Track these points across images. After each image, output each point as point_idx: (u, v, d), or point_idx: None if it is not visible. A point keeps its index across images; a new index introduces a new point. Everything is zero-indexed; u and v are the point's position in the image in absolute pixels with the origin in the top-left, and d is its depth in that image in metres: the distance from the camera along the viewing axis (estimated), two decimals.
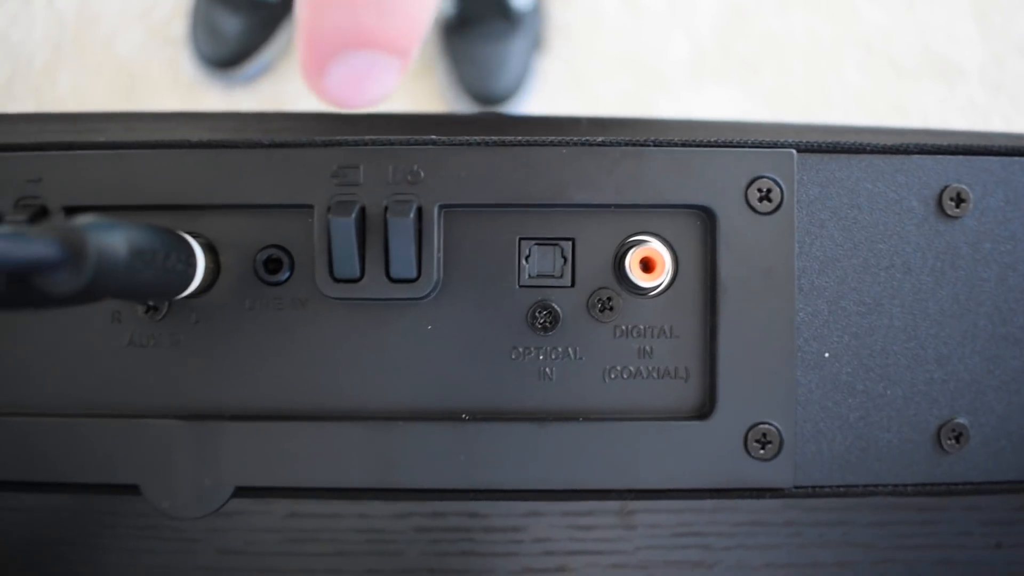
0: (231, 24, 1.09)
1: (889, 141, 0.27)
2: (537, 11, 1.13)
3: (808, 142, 0.26)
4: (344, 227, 0.24)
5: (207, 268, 0.25)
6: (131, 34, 1.15)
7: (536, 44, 1.14)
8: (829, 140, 0.27)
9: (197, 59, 1.10)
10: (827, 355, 0.27)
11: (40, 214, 0.26)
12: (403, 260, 0.25)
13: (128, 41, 1.15)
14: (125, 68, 1.15)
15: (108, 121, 0.30)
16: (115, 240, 0.20)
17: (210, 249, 0.26)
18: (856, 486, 0.27)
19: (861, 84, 1.22)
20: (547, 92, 1.15)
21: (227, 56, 1.09)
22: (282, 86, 1.15)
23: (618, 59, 1.17)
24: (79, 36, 1.16)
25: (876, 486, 0.27)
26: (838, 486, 0.27)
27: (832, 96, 1.21)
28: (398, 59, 0.17)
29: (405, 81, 1.13)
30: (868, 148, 0.27)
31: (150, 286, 0.23)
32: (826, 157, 0.27)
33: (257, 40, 1.10)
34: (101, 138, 0.27)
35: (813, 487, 0.27)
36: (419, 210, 0.25)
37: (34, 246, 0.18)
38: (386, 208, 0.25)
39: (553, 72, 1.16)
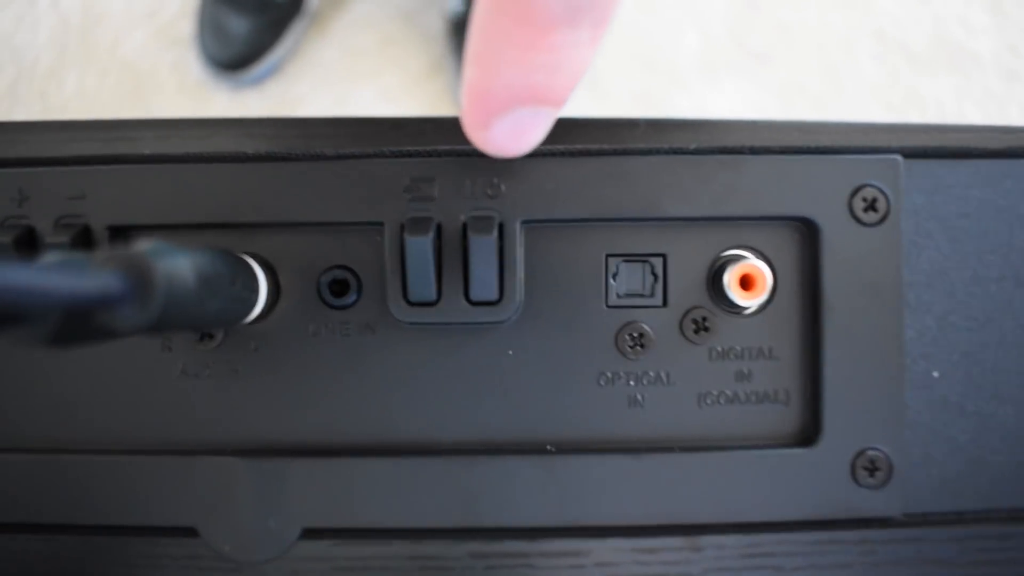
0: (239, 25, 1.07)
1: (996, 143, 0.25)
2: None
3: (913, 146, 0.24)
4: (421, 247, 0.22)
5: (268, 291, 0.23)
6: (137, 35, 1.14)
7: None
8: (934, 144, 0.25)
9: (204, 60, 1.08)
10: (936, 374, 0.25)
11: (83, 235, 0.24)
12: (484, 281, 0.23)
13: (134, 42, 1.13)
14: (131, 70, 1.13)
15: (140, 129, 0.27)
16: (183, 268, 0.18)
17: (269, 271, 0.24)
18: (969, 512, 0.25)
19: (876, 75, 1.20)
20: None
21: (235, 57, 1.07)
22: (291, 88, 1.13)
23: (630, 55, 1.15)
24: (84, 38, 1.14)
25: (990, 512, 0.25)
26: (950, 513, 0.25)
27: (847, 88, 1.19)
28: (558, 110, 0.18)
29: (413, 81, 1.11)
30: (976, 152, 0.25)
31: (216, 315, 0.21)
32: (932, 163, 0.25)
33: (265, 41, 1.08)
34: (140, 149, 0.25)
35: (924, 515, 0.25)
36: (500, 226, 0.23)
37: (96, 279, 0.16)
38: (464, 225, 0.23)
39: None
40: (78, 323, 0.16)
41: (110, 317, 0.16)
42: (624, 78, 1.15)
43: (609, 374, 0.24)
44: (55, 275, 0.15)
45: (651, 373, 0.24)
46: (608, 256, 0.24)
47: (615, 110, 1.13)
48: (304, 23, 1.10)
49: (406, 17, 1.14)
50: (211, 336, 0.24)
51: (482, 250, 0.22)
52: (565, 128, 0.25)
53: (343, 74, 1.13)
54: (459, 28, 1.07)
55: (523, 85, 0.18)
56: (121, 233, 0.24)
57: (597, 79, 1.14)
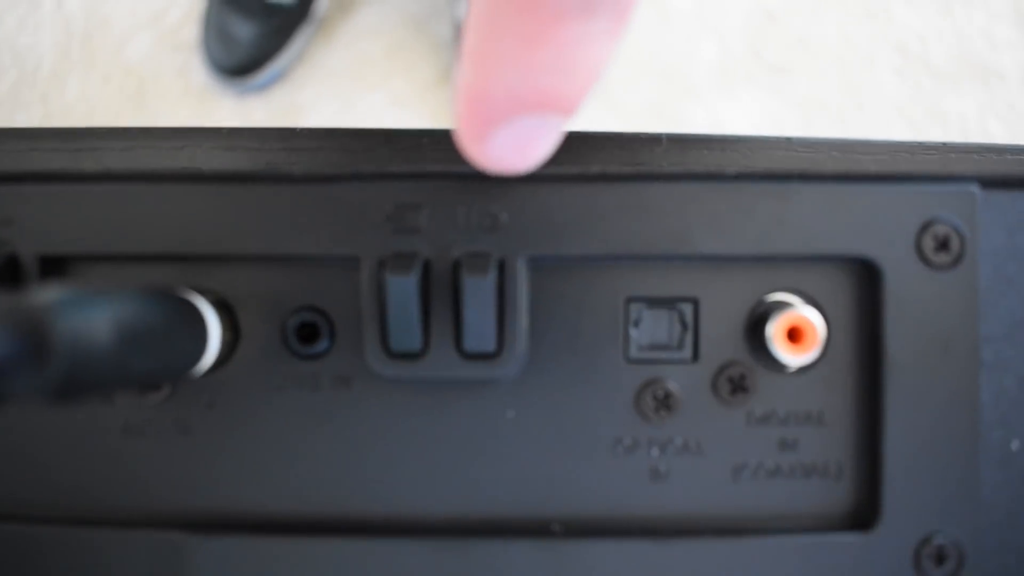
0: (244, 30, 1.05)
1: None
2: None
3: (993, 174, 0.21)
4: (404, 288, 0.18)
5: (224, 337, 0.20)
6: (141, 40, 1.12)
7: None
8: (1018, 171, 0.21)
9: (209, 66, 1.06)
10: (1015, 446, 0.21)
11: (9, 266, 0.20)
12: (479, 330, 0.19)
13: (138, 47, 1.11)
14: (135, 75, 1.11)
15: (103, 138, 0.24)
16: (95, 322, 0.14)
17: (227, 311, 0.20)
18: None
19: (897, 90, 1.17)
20: None
21: (240, 63, 1.05)
22: (296, 94, 1.10)
23: (644, 65, 1.12)
24: (88, 41, 1.12)
25: None
26: None
27: (867, 102, 1.16)
28: (567, 119, 0.16)
29: (422, 89, 1.09)
30: None
31: (147, 374, 0.17)
32: (1016, 194, 0.21)
33: (271, 47, 1.06)
34: (93, 164, 0.21)
35: None
36: (500, 264, 0.19)
37: None
38: (457, 263, 0.19)
39: None
40: None
41: None
42: (637, 89, 1.12)
43: (628, 441, 0.20)
44: None
45: (678, 441, 0.20)
46: (629, 301, 0.20)
47: (627, 122, 1.10)
48: (311, 29, 1.08)
49: (415, 24, 1.12)
50: (157, 387, 0.21)
51: (477, 293, 0.19)
52: (575, 145, 0.21)
53: (350, 81, 1.11)
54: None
55: (528, 89, 0.15)
56: (55, 265, 0.20)
57: (608, 89, 1.11)
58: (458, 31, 1.05)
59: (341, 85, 1.11)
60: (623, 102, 1.11)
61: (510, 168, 0.17)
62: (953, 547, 0.20)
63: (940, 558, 0.20)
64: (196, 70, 1.10)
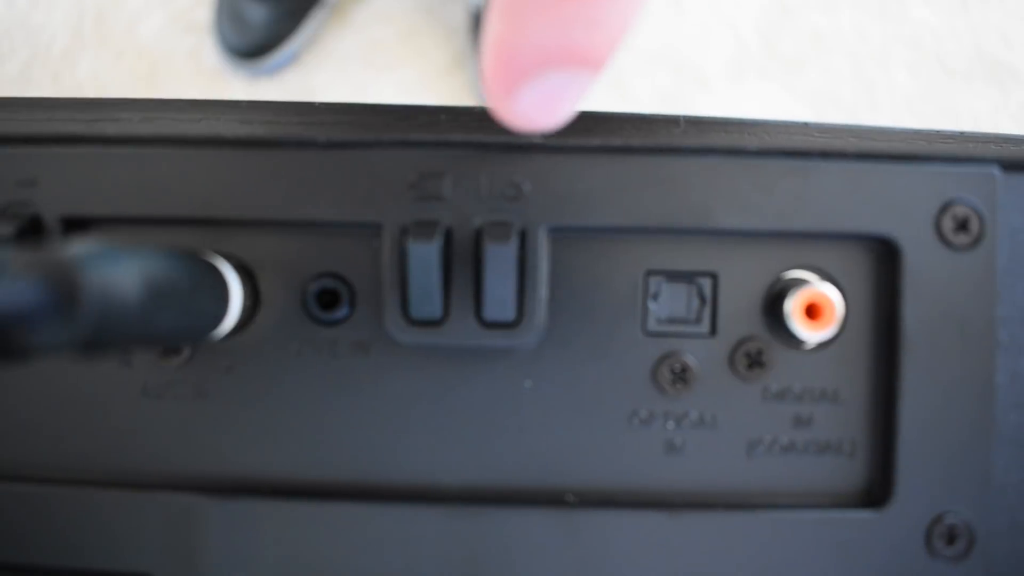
0: (257, 12, 1.04)
1: None
2: None
3: (1013, 157, 0.21)
4: (426, 255, 0.18)
5: (244, 302, 0.20)
6: (154, 20, 1.11)
7: None
8: None
9: (221, 48, 1.06)
10: None
11: (32, 226, 0.20)
12: (500, 298, 0.19)
13: (151, 27, 1.11)
14: (147, 55, 1.10)
15: (124, 109, 0.24)
16: (124, 276, 0.14)
17: (248, 276, 0.20)
18: None
19: (910, 86, 1.17)
20: None
21: (252, 46, 1.05)
22: (308, 78, 1.10)
23: (657, 55, 1.12)
24: (100, 20, 1.12)
25: None
26: None
27: (879, 98, 1.16)
28: (597, 75, 0.15)
29: (435, 74, 1.08)
30: None
31: (170, 332, 0.17)
32: None
33: (284, 30, 1.05)
34: (114, 130, 0.21)
35: None
36: (522, 234, 0.19)
37: (6, 289, 0.12)
38: (479, 231, 0.19)
39: None
40: None
41: (24, 336, 0.13)
42: (649, 79, 1.12)
43: (644, 413, 0.21)
44: None
45: (694, 414, 0.21)
46: (648, 274, 0.20)
47: (639, 111, 1.09)
48: (324, 13, 1.08)
49: (428, 9, 1.12)
50: (177, 351, 0.21)
51: (498, 261, 0.19)
52: (594, 123, 0.21)
53: (362, 65, 1.11)
54: (481, 23, 1.04)
55: (557, 44, 0.15)
56: (77, 226, 0.21)
57: (621, 78, 1.10)
58: (470, 17, 1.04)
59: (353, 69, 1.11)
60: (635, 92, 1.11)
61: (537, 125, 0.17)
62: (964, 527, 0.20)
63: (951, 537, 0.20)
64: (208, 52, 1.09)
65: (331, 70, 1.10)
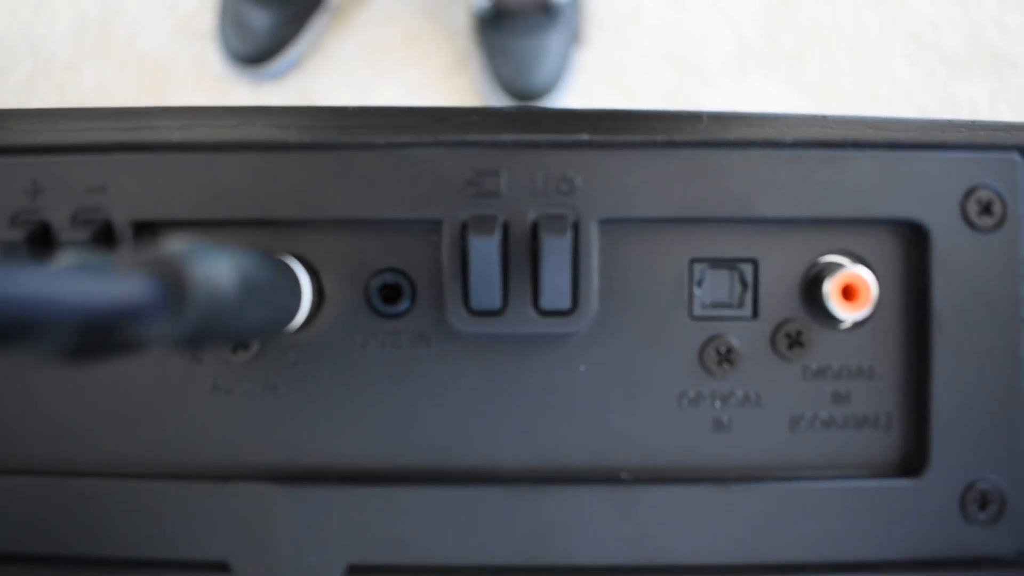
0: (260, 19, 1.05)
1: None
2: (575, 3, 1.09)
3: None
4: (486, 249, 0.20)
5: (311, 298, 0.21)
6: (157, 29, 1.12)
7: (574, 37, 1.09)
8: None
9: (225, 54, 1.06)
10: None
11: (104, 231, 0.21)
12: (556, 288, 0.20)
13: (154, 36, 1.12)
14: (150, 63, 1.11)
15: (164, 116, 0.25)
16: (223, 272, 0.15)
17: (312, 274, 0.21)
18: None
19: (910, 77, 1.17)
20: (585, 87, 1.10)
21: (256, 51, 1.05)
22: (311, 83, 1.10)
23: (659, 52, 1.13)
24: (103, 30, 1.12)
25: None
26: None
27: (879, 89, 1.16)
28: None
29: (437, 77, 1.09)
30: None
31: (256, 326, 0.18)
32: None
33: (286, 35, 1.06)
34: (166, 137, 0.22)
35: None
36: (575, 226, 0.20)
37: (122, 286, 0.13)
38: (534, 225, 0.20)
39: (591, 66, 1.11)
40: (99, 337, 0.14)
41: (137, 330, 0.14)
42: (651, 77, 1.12)
43: (692, 394, 0.22)
44: (74, 281, 0.12)
45: (739, 393, 0.22)
46: (693, 261, 0.22)
47: (642, 107, 1.10)
48: (326, 17, 1.08)
49: (430, 12, 1.12)
50: (246, 347, 0.22)
51: (555, 253, 0.20)
52: (624, 119, 0.22)
53: (365, 69, 1.11)
54: (484, 22, 1.05)
55: None
56: (146, 229, 0.22)
57: (624, 75, 1.11)
58: (473, 20, 1.05)
59: (356, 73, 1.11)
60: (637, 89, 1.12)
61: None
62: (996, 492, 0.21)
63: (984, 502, 0.21)
64: (212, 59, 1.10)
65: (334, 74, 1.11)
